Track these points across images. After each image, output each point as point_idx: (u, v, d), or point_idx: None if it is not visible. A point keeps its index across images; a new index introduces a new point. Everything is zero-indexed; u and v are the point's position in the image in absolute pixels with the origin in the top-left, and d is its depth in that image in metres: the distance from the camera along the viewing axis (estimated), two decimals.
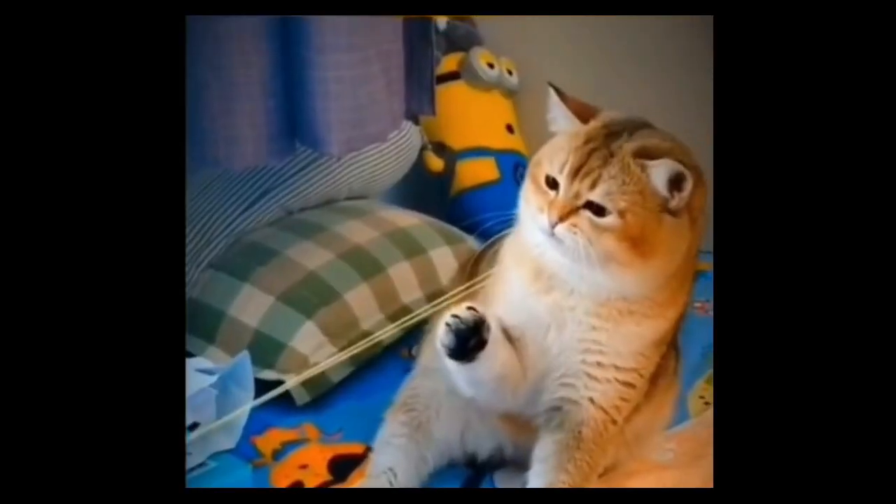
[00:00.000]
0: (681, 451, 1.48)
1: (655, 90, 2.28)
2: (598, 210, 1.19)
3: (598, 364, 1.29)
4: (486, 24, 2.50)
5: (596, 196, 1.19)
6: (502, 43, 2.49)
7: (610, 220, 1.18)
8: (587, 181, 1.19)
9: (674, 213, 1.21)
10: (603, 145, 1.21)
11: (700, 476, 1.37)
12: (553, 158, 1.23)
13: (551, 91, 1.29)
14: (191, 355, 1.57)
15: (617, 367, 1.30)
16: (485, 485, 1.45)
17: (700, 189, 1.23)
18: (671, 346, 1.37)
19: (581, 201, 1.19)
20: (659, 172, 1.19)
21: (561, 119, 1.28)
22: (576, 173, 1.20)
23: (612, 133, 1.23)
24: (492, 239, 1.40)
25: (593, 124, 1.25)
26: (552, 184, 1.22)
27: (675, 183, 1.20)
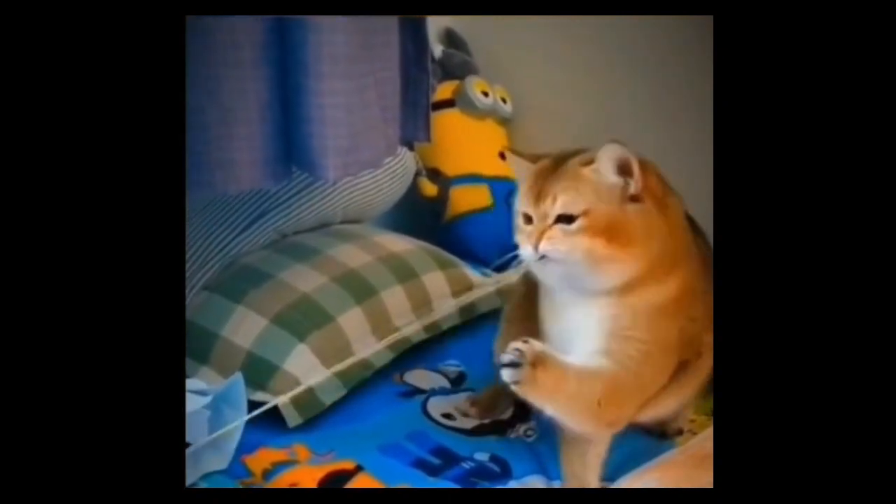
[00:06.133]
0: (666, 482, 1.49)
1: (655, 91, 2.30)
2: (568, 219, 1.31)
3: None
4: (482, 53, 2.53)
5: (559, 208, 1.31)
6: (497, 71, 2.52)
7: (578, 223, 1.30)
8: (548, 200, 1.32)
9: (636, 199, 1.32)
10: (553, 169, 1.35)
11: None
12: (521, 199, 1.37)
13: (507, 154, 1.48)
14: None
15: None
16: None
17: (650, 172, 1.35)
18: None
19: (551, 219, 1.32)
20: (605, 161, 1.31)
21: (520, 169, 1.42)
22: (538, 199, 1.33)
23: (560, 158, 1.38)
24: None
25: (542, 161, 1.40)
26: (528, 219, 1.35)
27: (624, 168, 1.32)
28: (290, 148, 1.53)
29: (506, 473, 1.56)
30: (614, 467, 1.50)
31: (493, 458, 1.59)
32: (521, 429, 1.68)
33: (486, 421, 1.70)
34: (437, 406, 1.74)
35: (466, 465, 1.57)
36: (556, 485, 1.51)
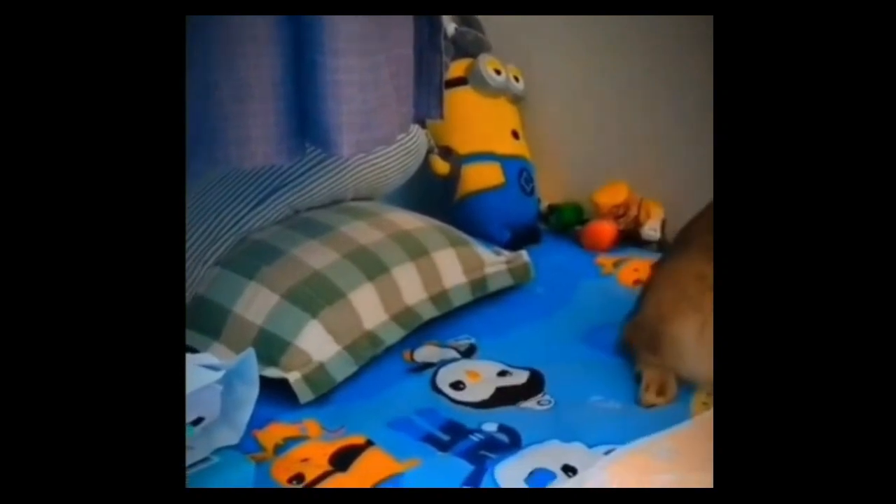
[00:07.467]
0: (680, 451, 1.50)
1: (657, 89, 2.31)
2: None
3: None
4: (495, 31, 2.52)
5: None
6: (510, 50, 2.51)
7: None
8: None
9: None
10: None
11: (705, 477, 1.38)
12: None
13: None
14: (196, 351, 1.59)
15: None
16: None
17: None
18: None
19: None
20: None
21: None
22: None
23: None
24: None
25: None
26: None
27: None
28: (304, 124, 1.53)
29: (515, 443, 1.55)
30: (627, 432, 1.50)
31: (502, 429, 1.59)
32: (534, 400, 1.68)
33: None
34: (445, 376, 1.74)
35: (475, 438, 1.57)
36: (574, 447, 1.51)
